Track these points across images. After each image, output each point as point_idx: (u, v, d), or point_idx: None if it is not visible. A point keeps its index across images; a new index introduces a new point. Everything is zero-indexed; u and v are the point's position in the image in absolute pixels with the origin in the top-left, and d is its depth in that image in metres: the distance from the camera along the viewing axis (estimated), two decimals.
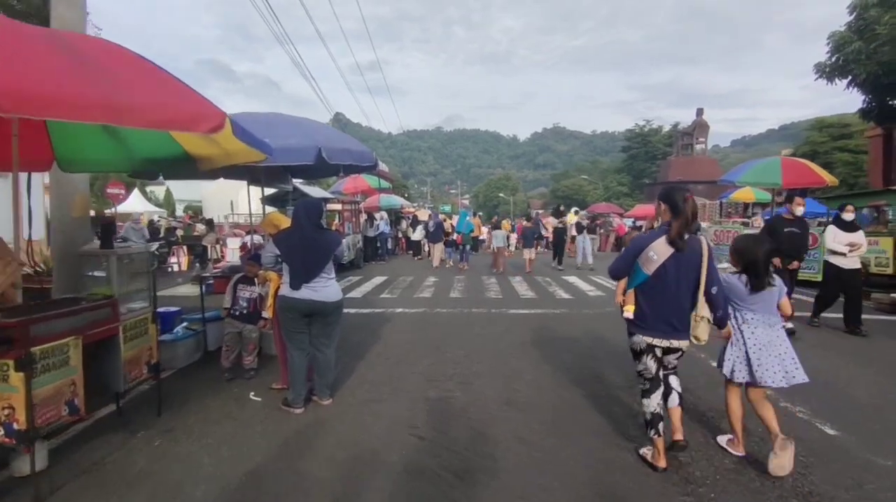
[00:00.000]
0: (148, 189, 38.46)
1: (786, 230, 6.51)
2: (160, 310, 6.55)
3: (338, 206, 14.29)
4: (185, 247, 16.82)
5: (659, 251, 2.95)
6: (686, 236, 2.93)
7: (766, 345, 3.08)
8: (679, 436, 3.11)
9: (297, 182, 14.49)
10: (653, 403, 3.07)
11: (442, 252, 15.84)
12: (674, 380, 3.20)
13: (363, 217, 16.67)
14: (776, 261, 6.31)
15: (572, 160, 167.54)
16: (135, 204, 26.94)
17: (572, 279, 12.43)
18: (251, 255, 5.30)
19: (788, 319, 3.28)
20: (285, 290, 3.92)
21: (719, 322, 3.09)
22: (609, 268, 3.34)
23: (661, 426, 3.05)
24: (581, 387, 4.54)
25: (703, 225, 18.76)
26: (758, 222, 16.33)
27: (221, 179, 6.85)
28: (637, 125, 58.48)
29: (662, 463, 3.05)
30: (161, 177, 6.02)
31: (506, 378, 4.77)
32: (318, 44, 18.52)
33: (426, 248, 17.58)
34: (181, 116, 2.68)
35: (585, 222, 16.25)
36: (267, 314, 4.70)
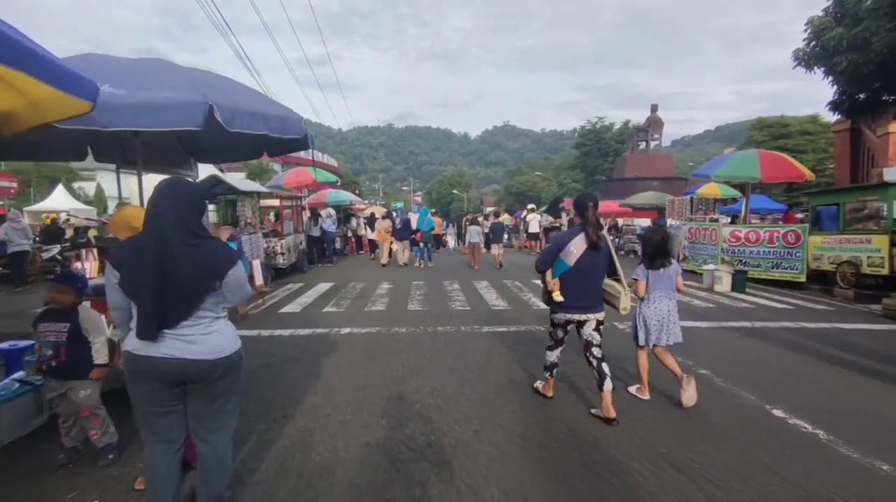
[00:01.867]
0: (76, 185, 34.24)
1: None
2: (3, 346, 4.66)
3: (275, 202, 12.29)
4: (95, 251, 14.37)
5: (577, 246, 3.62)
6: (599, 234, 3.65)
7: (665, 314, 4.00)
8: (612, 415, 3.61)
9: (230, 178, 12.43)
10: (553, 355, 4.01)
11: (408, 250, 15.14)
12: (605, 367, 3.72)
13: (306, 215, 14.75)
14: None
15: (523, 157, 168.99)
16: (57, 201, 23.36)
17: None
18: (60, 274, 3.46)
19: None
20: (131, 343, 2.21)
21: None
22: (536, 262, 3.95)
23: (555, 370, 4.05)
24: (638, 474, 3.06)
25: (670, 221, 18.07)
26: (717, 218, 15.69)
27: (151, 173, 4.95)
28: (589, 122, 58.44)
29: (550, 393, 4.07)
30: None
31: (506, 454, 3.22)
32: (263, 36, 16.47)
33: (393, 247, 16.29)
34: None
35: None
36: (99, 360, 3.01)
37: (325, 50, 25.66)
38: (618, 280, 3.74)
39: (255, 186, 10.75)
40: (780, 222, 14.17)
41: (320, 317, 7.47)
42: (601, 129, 56.97)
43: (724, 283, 9.75)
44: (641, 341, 4.11)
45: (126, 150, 4.26)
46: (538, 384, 4.23)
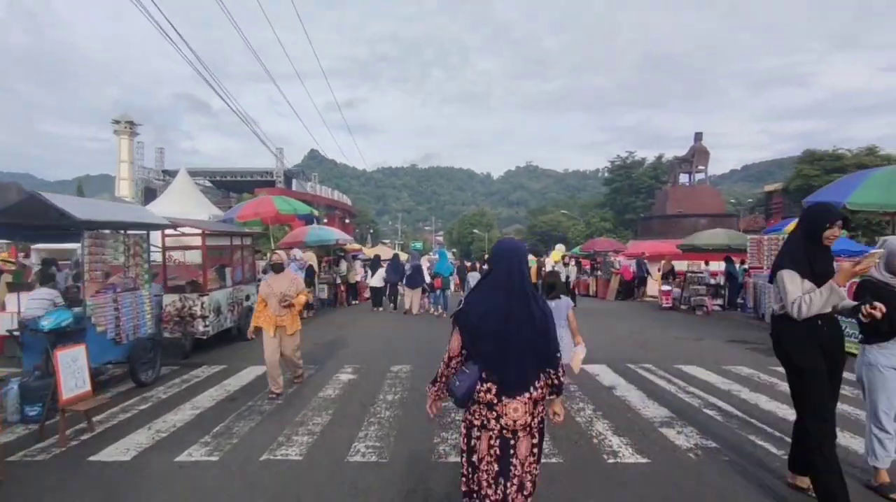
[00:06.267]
0: None
1: None
2: None
3: (194, 240, 8.11)
4: None
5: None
6: None
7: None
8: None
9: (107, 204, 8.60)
10: None
11: (419, 299, 13.23)
12: None
13: (268, 257, 10.92)
14: None
15: (546, 197, 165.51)
16: None
17: (613, 379, 6.85)
18: None
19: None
20: None
21: None
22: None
23: None
24: None
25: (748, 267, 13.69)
26: None
27: None
28: (619, 157, 54.71)
29: None
30: None
31: None
32: (294, 80, 16.48)
33: (400, 293, 14.14)
34: None
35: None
36: None
37: (349, 94, 23.08)
38: None
39: (122, 212, 6.18)
40: None
41: (142, 499, 3.39)
42: (632, 165, 53.18)
43: None
44: None
45: None
46: None
